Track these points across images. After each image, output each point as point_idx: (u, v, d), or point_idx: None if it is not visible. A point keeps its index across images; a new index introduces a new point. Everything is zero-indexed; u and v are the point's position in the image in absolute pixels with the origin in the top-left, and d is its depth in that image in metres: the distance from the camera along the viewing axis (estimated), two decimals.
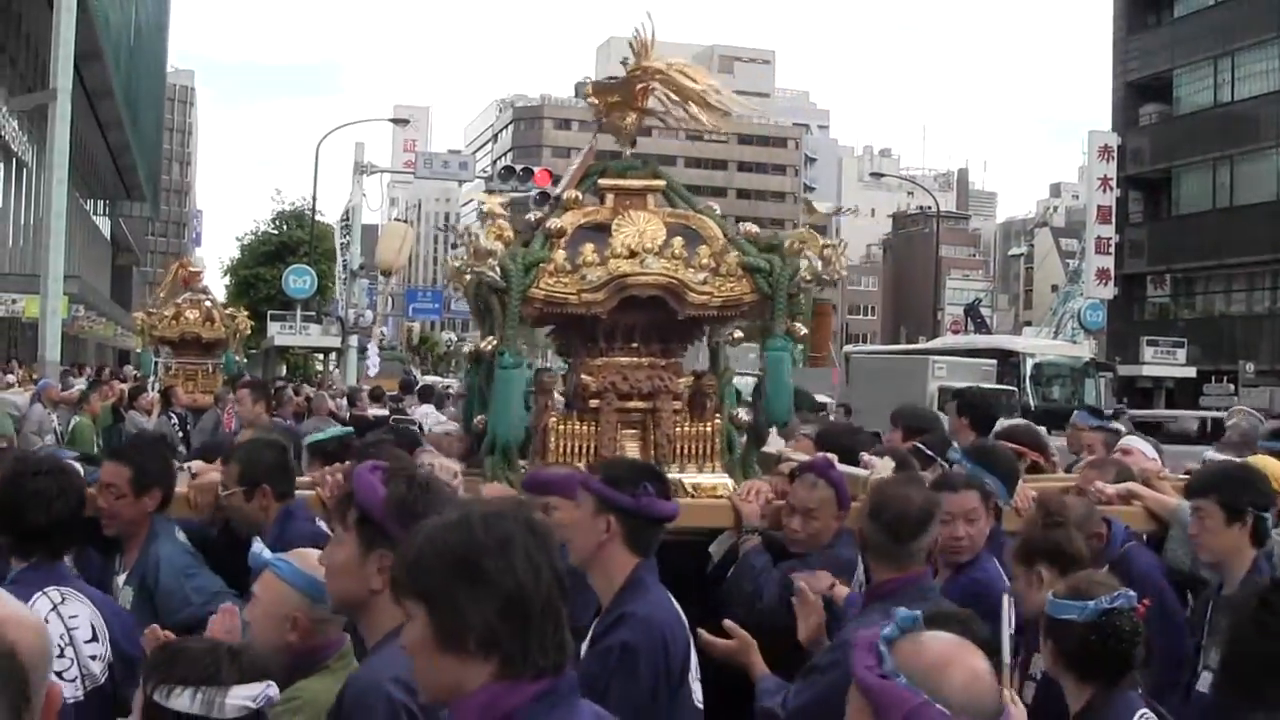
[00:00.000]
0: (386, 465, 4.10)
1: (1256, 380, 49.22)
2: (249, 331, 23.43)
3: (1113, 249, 58.60)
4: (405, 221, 73.11)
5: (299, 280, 50.62)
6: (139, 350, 25.34)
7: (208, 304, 20.78)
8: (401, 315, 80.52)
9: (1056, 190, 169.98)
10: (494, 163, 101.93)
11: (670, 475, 6.03)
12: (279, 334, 52.72)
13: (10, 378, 28.33)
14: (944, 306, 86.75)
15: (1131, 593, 4.42)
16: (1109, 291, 58.27)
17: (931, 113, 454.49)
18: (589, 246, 6.25)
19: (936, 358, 41.70)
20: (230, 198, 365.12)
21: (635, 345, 6.52)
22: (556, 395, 6.77)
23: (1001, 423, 9.63)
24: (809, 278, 6.36)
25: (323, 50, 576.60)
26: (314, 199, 59.00)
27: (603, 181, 6.72)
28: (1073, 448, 10.90)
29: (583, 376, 6.54)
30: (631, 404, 6.45)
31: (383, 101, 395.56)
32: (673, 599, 4.71)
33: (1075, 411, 12.71)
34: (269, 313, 53.38)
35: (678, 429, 6.47)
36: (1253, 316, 59.62)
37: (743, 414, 6.85)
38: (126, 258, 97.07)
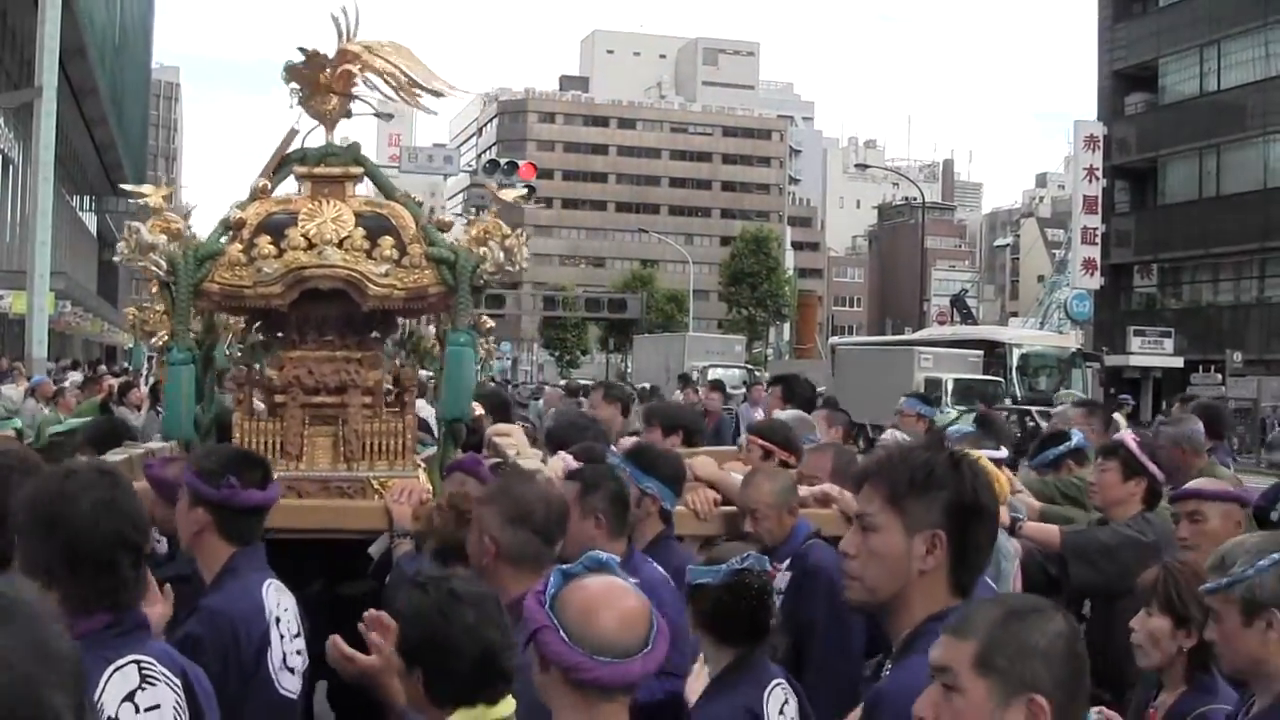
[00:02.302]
0: None
1: (1244, 370, 49.25)
2: (241, 326, 23.27)
3: (1099, 239, 58.73)
4: None
5: None
6: (129, 346, 25.31)
7: None
8: None
9: (1042, 180, 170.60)
10: (479, 156, 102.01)
11: (359, 473, 6.16)
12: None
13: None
14: (930, 298, 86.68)
15: (764, 557, 4.62)
16: (1095, 282, 58.42)
17: (917, 104, 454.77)
18: (265, 239, 6.03)
19: (922, 349, 41.87)
20: (216, 193, 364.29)
21: (329, 338, 6.32)
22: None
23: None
24: (492, 269, 6.11)
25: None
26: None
27: (298, 169, 6.52)
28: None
29: (268, 371, 6.42)
30: (319, 399, 6.25)
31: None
32: (269, 589, 4.70)
33: (903, 398, 13.00)
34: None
35: (369, 425, 6.27)
36: (1240, 306, 59.62)
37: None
38: (113, 253, 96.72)
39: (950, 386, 37.52)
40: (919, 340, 48.46)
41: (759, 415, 23.99)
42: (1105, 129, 60.16)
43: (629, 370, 72.86)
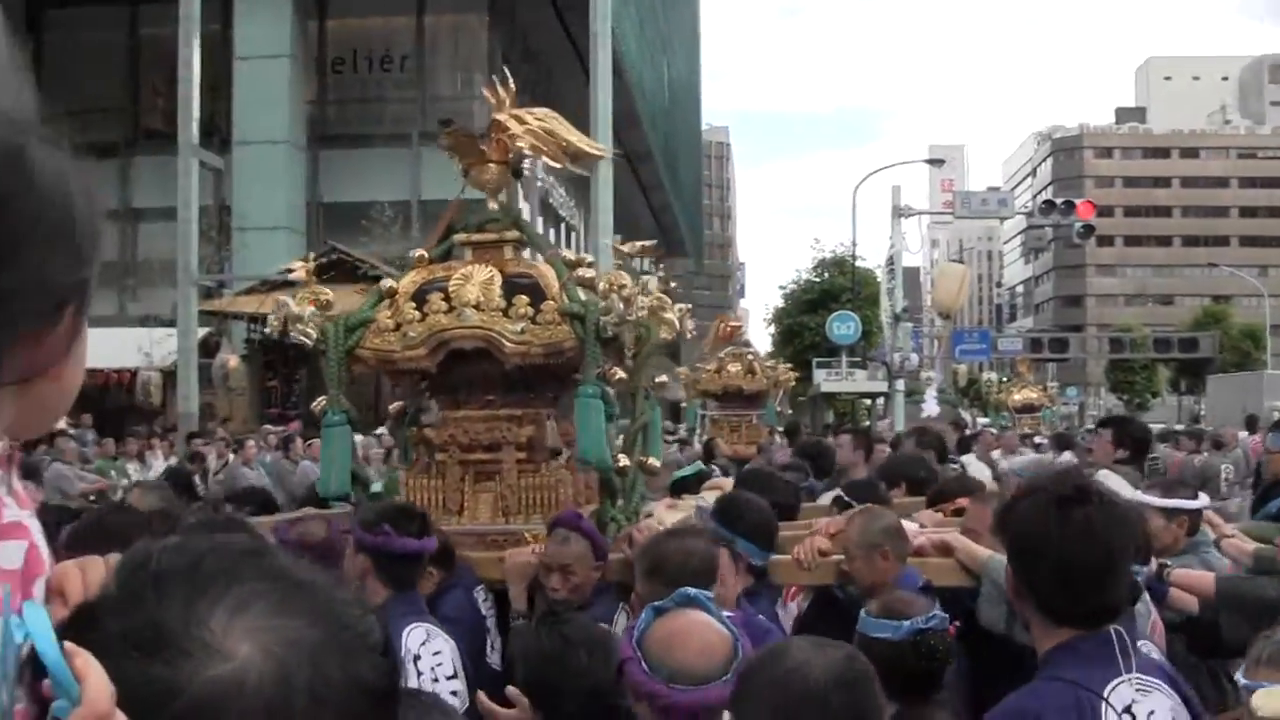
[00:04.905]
0: None
1: None
2: (792, 382, 23.43)
3: None
4: (959, 261, 72.44)
5: (843, 326, 50.74)
6: (684, 404, 25.82)
7: (749, 357, 21.27)
8: (948, 357, 79.89)
9: None
10: (1034, 197, 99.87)
11: (514, 526, 6.42)
12: (825, 380, 52.84)
13: None
14: None
15: (945, 614, 4.61)
16: None
17: None
18: (410, 305, 6.42)
19: None
20: (770, 248, 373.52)
21: (491, 398, 6.64)
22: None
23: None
24: (615, 321, 6.21)
25: (856, 97, 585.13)
26: (854, 244, 59.24)
27: (458, 237, 6.87)
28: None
29: (426, 431, 6.81)
30: (476, 456, 6.57)
31: (918, 143, 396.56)
32: (411, 632, 5.11)
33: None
34: (814, 360, 53.50)
35: (525, 480, 6.53)
36: None
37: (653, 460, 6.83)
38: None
39: None
40: None
41: None
42: None
43: (1202, 412, 69.24)
